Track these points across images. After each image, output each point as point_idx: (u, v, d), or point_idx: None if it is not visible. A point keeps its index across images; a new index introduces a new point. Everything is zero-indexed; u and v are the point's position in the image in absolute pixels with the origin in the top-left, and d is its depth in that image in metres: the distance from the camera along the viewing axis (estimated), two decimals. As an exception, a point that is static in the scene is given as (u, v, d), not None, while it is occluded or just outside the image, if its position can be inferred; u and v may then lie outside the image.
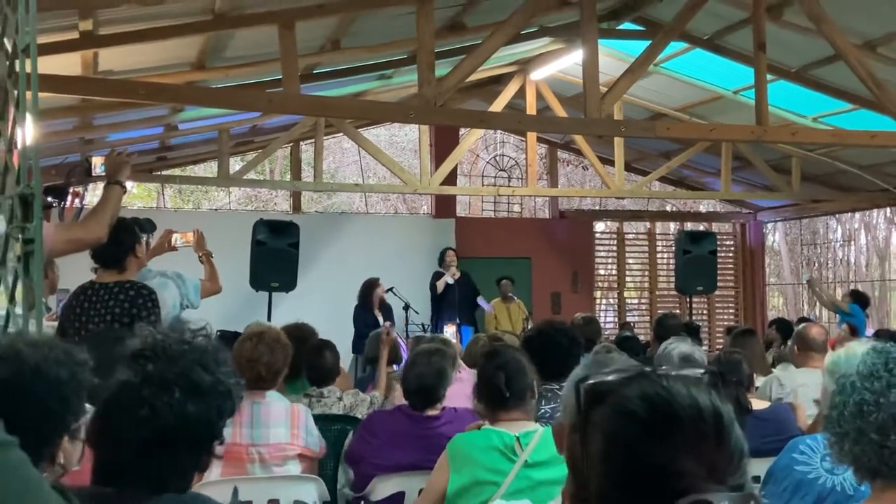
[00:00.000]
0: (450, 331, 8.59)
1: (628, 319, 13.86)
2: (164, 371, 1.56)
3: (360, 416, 4.22)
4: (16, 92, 2.61)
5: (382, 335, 5.07)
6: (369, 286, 9.81)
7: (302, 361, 4.21)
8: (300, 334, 4.54)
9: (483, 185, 13.00)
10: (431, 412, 3.76)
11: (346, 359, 8.87)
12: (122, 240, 4.00)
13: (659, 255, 14.44)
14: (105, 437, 1.56)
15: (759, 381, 4.94)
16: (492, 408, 3.07)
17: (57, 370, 1.60)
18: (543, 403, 3.61)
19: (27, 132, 2.58)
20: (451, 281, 10.20)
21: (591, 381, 1.03)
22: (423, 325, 10.05)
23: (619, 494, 0.96)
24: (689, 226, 14.58)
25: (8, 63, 2.69)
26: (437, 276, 10.45)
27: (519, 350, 3.30)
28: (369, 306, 9.58)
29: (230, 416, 1.63)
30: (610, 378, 1.03)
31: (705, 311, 14.15)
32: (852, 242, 19.13)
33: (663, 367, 1.04)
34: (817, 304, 13.67)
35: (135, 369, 1.56)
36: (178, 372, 1.56)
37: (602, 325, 14.28)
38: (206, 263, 5.12)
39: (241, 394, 1.64)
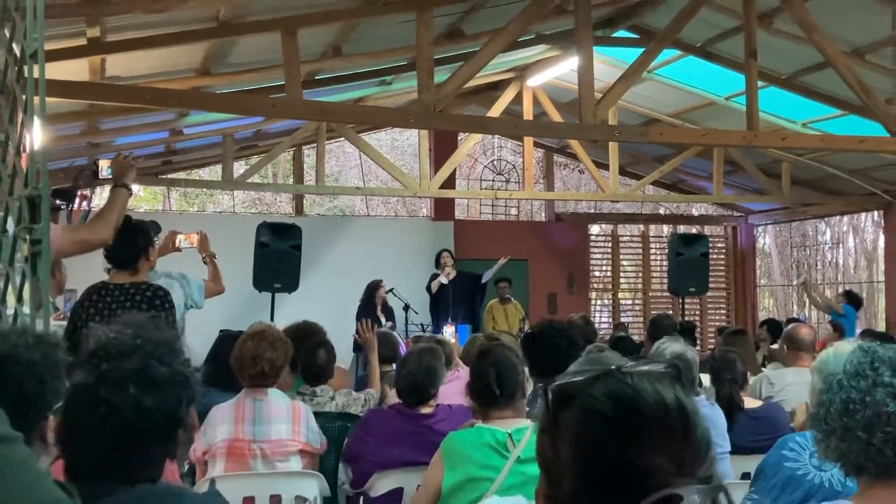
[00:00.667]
0: (449, 330, 8.59)
1: (622, 320, 13.86)
2: (119, 368, 1.56)
3: (357, 414, 4.22)
4: (24, 97, 2.62)
5: (359, 329, 4.91)
6: (373, 288, 9.82)
7: (298, 359, 4.19)
8: (299, 333, 4.53)
9: (481, 189, 13.00)
10: (425, 409, 3.77)
11: (347, 358, 8.90)
12: (137, 241, 4.00)
13: (652, 258, 14.45)
14: (70, 437, 1.58)
15: (749, 380, 4.93)
16: (484, 405, 3.08)
17: (29, 353, 1.66)
18: (538, 402, 3.61)
19: (35, 136, 2.58)
20: (444, 281, 10.21)
21: (558, 383, 1.03)
22: (422, 325, 10.05)
23: (590, 493, 0.96)
24: (681, 229, 14.58)
25: (17, 68, 2.69)
26: (433, 278, 10.47)
27: (511, 349, 3.31)
28: (372, 307, 9.58)
29: (192, 402, 1.63)
30: (577, 379, 1.02)
31: (697, 312, 14.15)
32: (841, 245, 19.14)
33: (628, 365, 1.03)
34: (807, 304, 13.69)
35: (89, 370, 1.57)
36: (132, 368, 1.57)
37: (597, 325, 14.38)
38: (210, 264, 5.12)
39: (198, 380, 1.64)
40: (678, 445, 0.96)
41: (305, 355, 4.26)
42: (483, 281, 10.65)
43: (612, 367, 1.03)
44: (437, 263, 10.56)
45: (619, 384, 1.00)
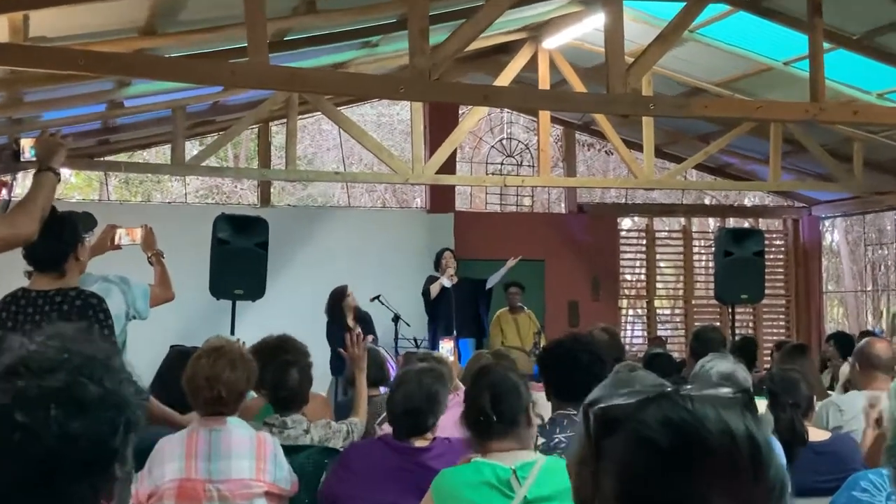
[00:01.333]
0: (447, 347, 8.60)
1: (659, 333, 13.87)
2: (39, 387, 1.56)
3: (338, 449, 4.21)
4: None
5: (348, 344, 4.88)
6: (337, 298, 9.74)
7: (265, 381, 4.18)
8: (269, 350, 4.53)
9: (487, 174, 12.99)
10: (420, 443, 3.76)
11: (324, 382, 8.90)
12: (65, 237, 3.96)
13: (696, 258, 14.44)
14: None
15: (814, 406, 4.93)
16: (478, 435, 3.08)
17: None
18: (558, 431, 3.61)
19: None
20: (447, 283, 10.17)
21: (602, 405, 1.03)
22: (414, 339, 10.05)
23: None
24: (731, 222, 14.58)
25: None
26: (431, 280, 10.42)
27: (511, 368, 3.31)
28: (339, 320, 9.53)
29: (131, 430, 1.63)
30: (625, 401, 1.02)
31: (751, 324, 14.16)
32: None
33: (687, 387, 1.03)
34: (884, 315, 13.67)
35: (3, 389, 1.57)
36: (56, 386, 1.56)
37: (629, 340, 14.41)
38: (157, 265, 5.11)
39: (143, 404, 1.63)
40: (746, 485, 0.96)
41: (273, 376, 4.25)
42: (488, 286, 10.63)
43: (669, 388, 1.03)
44: (437, 265, 10.56)
45: (676, 409, 1.00)
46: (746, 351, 7.39)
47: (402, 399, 3.77)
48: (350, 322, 9.59)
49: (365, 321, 9.84)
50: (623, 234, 14.40)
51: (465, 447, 3.49)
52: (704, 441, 0.97)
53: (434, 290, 10.25)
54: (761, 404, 4.51)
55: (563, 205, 13.96)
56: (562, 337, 4.15)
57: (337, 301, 9.77)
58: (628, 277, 14.89)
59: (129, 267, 4.95)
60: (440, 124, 11.84)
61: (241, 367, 3.75)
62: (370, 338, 9.40)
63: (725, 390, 1.04)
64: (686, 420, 0.98)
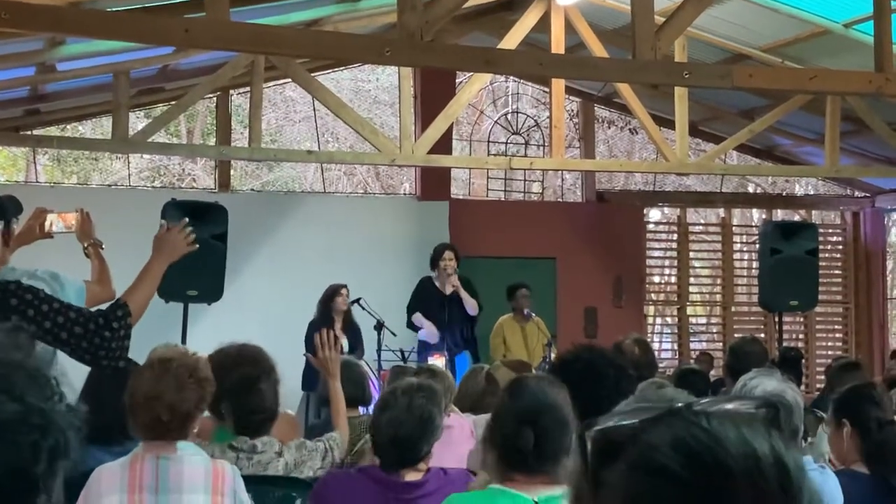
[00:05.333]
0: (438, 362, 8.61)
1: (693, 346, 13.88)
2: None
3: (309, 477, 4.20)
4: None
5: (317, 344, 4.87)
6: (329, 296, 9.82)
7: (224, 398, 4.17)
8: (230, 362, 4.52)
9: (489, 155, 12.98)
10: (411, 476, 3.75)
11: (293, 400, 8.89)
12: None
13: (737, 256, 14.46)
14: None
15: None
16: (505, 466, 3.02)
17: None
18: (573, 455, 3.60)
19: None
20: (424, 337, 10.20)
21: (599, 428, 1.03)
22: (401, 351, 10.05)
23: None
24: (779, 214, 14.61)
25: None
26: (425, 286, 10.42)
27: (555, 382, 3.18)
28: (329, 325, 9.58)
29: (60, 457, 1.62)
30: (628, 421, 1.02)
31: (801, 336, 14.17)
32: None
33: (702, 402, 1.03)
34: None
35: None
36: None
37: (656, 353, 14.38)
38: (94, 258, 5.10)
39: (74, 426, 1.62)
40: None
41: (238, 394, 4.25)
42: (473, 314, 10.52)
43: (679, 403, 1.02)
44: (433, 265, 10.56)
45: (689, 428, 1.00)
46: (790, 365, 7.40)
47: (388, 424, 3.73)
48: (338, 328, 9.61)
49: (354, 332, 9.87)
50: (651, 227, 14.41)
51: (467, 480, 3.49)
52: (723, 465, 0.97)
53: (416, 322, 10.23)
54: (811, 427, 4.52)
55: (579, 192, 13.96)
56: (577, 347, 4.12)
57: (328, 300, 9.80)
58: (656, 279, 14.90)
59: (61, 260, 4.93)
60: (433, 95, 11.83)
61: (191, 386, 3.71)
62: (358, 353, 9.43)
63: (748, 404, 1.04)
64: (701, 441, 0.98)
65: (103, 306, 4.23)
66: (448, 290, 10.28)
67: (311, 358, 4.94)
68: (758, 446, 0.98)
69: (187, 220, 4.55)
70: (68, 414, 1.62)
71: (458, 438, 5.09)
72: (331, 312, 9.81)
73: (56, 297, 4.00)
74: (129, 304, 4.05)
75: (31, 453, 1.56)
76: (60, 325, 3.84)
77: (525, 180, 13.79)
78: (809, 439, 4.47)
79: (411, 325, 10.36)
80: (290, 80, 11.01)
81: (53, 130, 12.07)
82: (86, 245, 5.12)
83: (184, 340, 8.29)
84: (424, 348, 10.15)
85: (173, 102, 10.77)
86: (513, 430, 2.95)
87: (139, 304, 4.13)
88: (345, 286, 10.01)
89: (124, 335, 3.98)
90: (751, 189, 17.33)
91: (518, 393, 3.07)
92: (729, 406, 1.03)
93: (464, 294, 10.32)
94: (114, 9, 7.18)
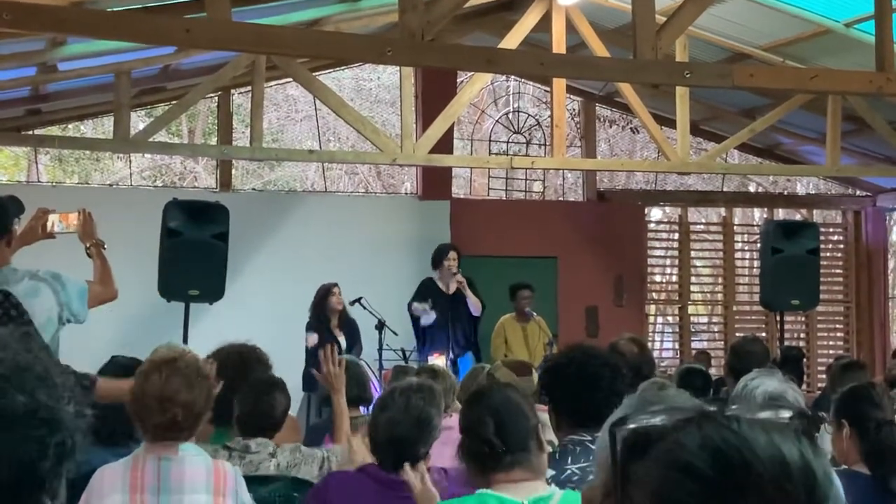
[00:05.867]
0: (439, 361, 8.61)
1: (694, 345, 13.88)
2: None
3: (309, 480, 4.21)
4: None
5: (321, 359, 4.90)
6: (322, 295, 9.80)
7: (237, 402, 4.19)
8: (239, 362, 4.54)
9: (490, 154, 12.98)
10: (411, 475, 3.76)
11: (294, 399, 8.89)
12: None
13: (738, 255, 14.46)
14: None
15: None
16: (481, 468, 3.08)
17: None
18: (570, 461, 3.61)
19: None
20: (427, 321, 10.19)
21: (631, 426, 1.04)
22: (402, 350, 10.05)
23: None
24: (780, 214, 14.61)
25: None
26: (425, 290, 10.41)
27: (511, 387, 3.32)
28: (324, 323, 9.58)
29: (66, 458, 1.62)
30: (659, 420, 1.03)
31: (803, 335, 14.17)
32: None
33: (734, 407, 1.04)
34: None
35: None
36: None
37: (658, 353, 14.39)
38: (97, 257, 5.10)
39: (81, 429, 1.63)
40: None
41: (249, 400, 4.26)
42: (476, 314, 10.56)
43: (712, 408, 1.04)
44: (436, 265, 10.55)
45: (720, 430, 1.01)
46: (791, 365, 7.41)
47: (386, 425, 3.75)
48: (334, 328, 9.60)
49: (351, 328, 9.85)
50: (652, 226, 14.41)
51: (463, 478, 3.49)
52: (751, 468, 0.98)
53: (415, 312, 10.25)
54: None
55: (580, 191, 13.96)
56: (569, 348, 4.13)
57: (322, 300, 9.80)
58: (658, 279, 14.90)
59: (63, 260, 4.94)
60: (435, 94, 11.83)
61: (200, 385, 3.73)
62: (355, 352, 9.43)
63: (783, 414, 1.05)
64: (731, 443, 0.99)
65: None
66: (452, 289, 10.28)
67: (317, 374, 4.96)
68: (786, 451, 1.00)
69: None
70: (76, 417, 1.63)
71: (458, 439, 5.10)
72: (325, 312, 9.80)
73: (30, 322, 4.03)
74: (97, 385, 4.10)
75: (37, 448, 1.56)
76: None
77: (526, 179, 13.79)
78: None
79: (413, 319, 10.34)
80: (290, 79, 11.01)
81: (55, 130, 12.08)
82: (88, 245, 5.12)
83: (185, 340, 8.30)
84: (423, 345, 10.17)
85: (175, 102, 10.77)
86: (476, 420, 3.13)
87: (108, 395, 4.09)
88: (336, 284, 9.98)
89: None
90: (752, 188, 17.33)
91: (477, 398, 3.29)
92: (761, 414, 1.04)
93: (468, 293, 10.34)
94: (115, 9, 7.18)
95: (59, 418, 1.61)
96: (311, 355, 9.02)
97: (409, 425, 3.72)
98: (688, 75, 7.46)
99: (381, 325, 10.03)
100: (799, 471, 0.99)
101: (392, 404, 3.79)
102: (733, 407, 1.05)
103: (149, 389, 3.69)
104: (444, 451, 3.90)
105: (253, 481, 4.01)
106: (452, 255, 10.46)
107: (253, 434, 4.25)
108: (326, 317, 9.76)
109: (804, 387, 11.24)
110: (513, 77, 13.46)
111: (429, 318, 10.21)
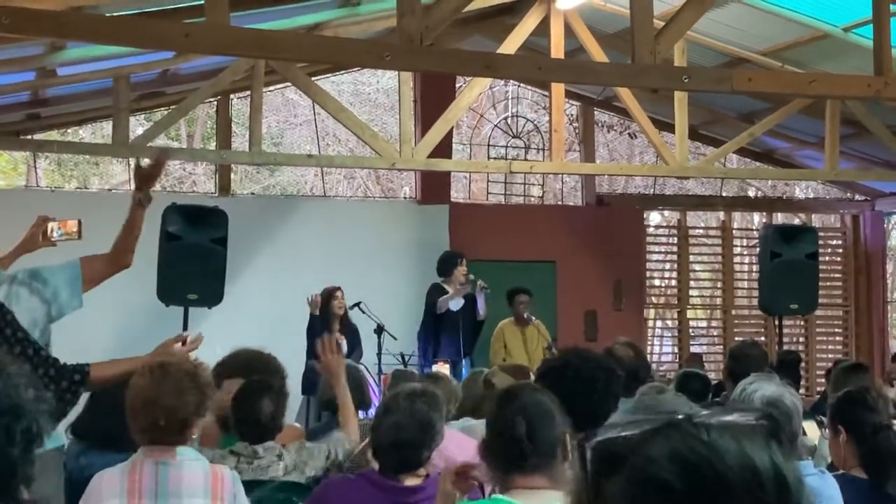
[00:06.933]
0: (443, 369, 8.61)
1: (693, 349, 13.87)
2: None
3: (311, 477, 4.21)
4: None
5: (319, 350, 4.90)
6: (326, 298, 9.83)
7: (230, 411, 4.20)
8: (242, 369, 4.54)
9: (489, 159, 12.98)
10: (411, 481, 3.75)
11: (293, 403, 8.88)
12: None
13: (737, 260, 14.45)
14: None
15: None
16: (506, 468, 3.04)
17: None
18: (573, 465, 3.61)
19: None
20: (454, 307, 10.17)
21: (600, 440, 1.03)
22: (401, 355, 10.05)
23: None
24: (779, 218, 14.60)
25: None
26: (436, 292, 10.38)
27: (542, 391, 3.28)
28: (326, 327, 9.59)
29: (35, 441, 1.62)
30: (627, 433, 1.02)
31: (801, 339, 14.17)
32: None
33: (702, 414, 1.03)
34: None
35: None
36: None
37: (658, 357, 14.39)
38: (133, 210, 5.10)
39: (43, 411, 1.63)
40: None
41: (240, 404, 4.27)
42: (481, 317, 10.58)
43: (679, 415, 1.02)
44: (444, 273, 10.50)
45: (688, 441, 1.00)
46: (788, 369, 7.40)
47: (389, 429, 3.74)
48: (336, 331, 9.61)
49: (352, 333, 9.85)
50: (650, 230, 14.41)
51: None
52: (722, 478, 0.97)
53: (442, 305, 10.23)
54: (813, 431, 4.51)
55: (579, 196, 13.96)
56: (564, 352, 4.12)
57: (325, 302, 9.80)
58: (657, 283, 14.89)
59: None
60: (433, 99, 11.84)
61: (191, 391, 3.71)
62: (343, 345, 9.43)
63: (748, 416, 1.04)
64: (700, 454, 0.98)
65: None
66: (455, 308, 10.29)
67: (316, 364, 4.97)
68: (757, 459, 0.99)
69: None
70: (36, 401, 1.64)
71: (458, 441, 5.09)
72: (328, 316, 9.81)
73: (25, 332, 4.01)
74: (92, 372, 4.05)
75: (4, 435, 1.57)
76: (17, 354, 3.82)
77: (525, 184, 13.79)
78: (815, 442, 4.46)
79: (437, 305, 10.30)
80: (289, 84, 11.02)
81: (54, 135, 12.06)
82: (139, 196, 5.03)
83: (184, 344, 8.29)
84: (426, 353, 10.16)
85: (174, 106, 10.78)
86: (508, 422, 3.05)
87: (104, 379, 4.10)
88: (339, 288, 10.01)
89: (69, 399, 3.99)
90: (751, 192, 17.34)
91: (509, 397, 3.18)
92: (728, 417, 1.03)
93: (480, 297, 10.37)
94: (114, 14, 7.17)
95: (20, 405, 1.61)
96: (311, 353, 9.05)
97: (413, 429, 3.73)
98: (686, 80, 7.47)
99: (380, 330, 10.04)
100: (770, 479, 0.98)
101: (396, 408, 3.79)
102: (702, 414, 1.04)
103: (139, 392, 3.70)
104: (438, 460, 3.90)
105: (254, 486, 4.02)
106: (460, 263, 10.46)
107: (252, 440, 4.25)
108: (329, 320, 9.76)
109: (802, 391, 11.24)
110: (511, 81, 13.47)
111: (458, 302, 10.22)
